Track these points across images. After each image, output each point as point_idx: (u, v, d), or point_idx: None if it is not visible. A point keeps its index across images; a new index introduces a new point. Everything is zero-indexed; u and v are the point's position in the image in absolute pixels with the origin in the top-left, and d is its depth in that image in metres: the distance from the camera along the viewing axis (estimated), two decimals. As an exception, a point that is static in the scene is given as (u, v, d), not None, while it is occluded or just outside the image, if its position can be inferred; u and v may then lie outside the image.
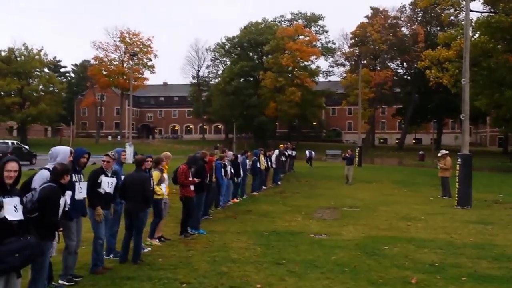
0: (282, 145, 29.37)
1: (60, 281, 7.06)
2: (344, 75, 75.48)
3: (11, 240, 4.79)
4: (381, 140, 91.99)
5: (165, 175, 10.26)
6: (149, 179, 8.94)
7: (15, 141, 54.68)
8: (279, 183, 24.44)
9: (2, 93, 72.93)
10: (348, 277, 7.81)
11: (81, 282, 7.18)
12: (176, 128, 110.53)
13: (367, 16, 75.21)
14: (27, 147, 47.51)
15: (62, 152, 6.73)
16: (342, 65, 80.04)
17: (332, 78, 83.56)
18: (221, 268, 8.22)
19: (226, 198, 16.34)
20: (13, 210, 4.86)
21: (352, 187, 23.52)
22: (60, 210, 5.86)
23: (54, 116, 78.70)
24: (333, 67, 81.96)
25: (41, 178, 6.04)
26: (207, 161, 12.55)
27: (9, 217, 4.80)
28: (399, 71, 77.50)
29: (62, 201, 5.90)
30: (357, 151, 39.05)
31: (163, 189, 9.57)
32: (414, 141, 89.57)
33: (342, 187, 22.84)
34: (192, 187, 11.10)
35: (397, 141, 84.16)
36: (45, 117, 75.97)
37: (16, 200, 4.96)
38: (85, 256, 7.89)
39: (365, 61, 72.81)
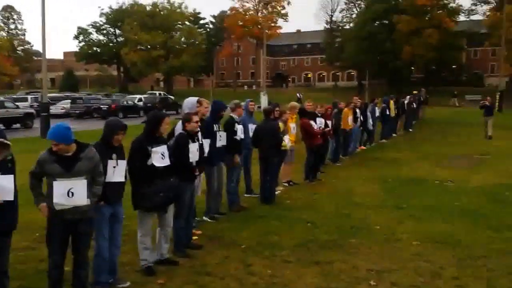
0: (415, 91, 28.68)
1: (204, 217, 8.18)
2: (488, 13, 69.86)
3: (157, 182, 5.75)
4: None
5: (292, 125, 10.96)
6: (279, 127, 9.70)
7: (162, 92, 58.94)
8: (411, 130, 24.13)
9: (148, 46, 78.12)
10: (468, 222, 8.05)
11: (220, 219, 8.23)
12: (309, 76, 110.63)
13: None
14: (172, 97, 50.85)
15: (189, 103, 7.39)
16: (487, 2, 73.82)
17: (475, 17, 77.56)
18: (343, 210, 8.86)
19: (354, 145, 16.72)
20: (160, 157, 5.79)
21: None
22: (192, 155, 6.46)
23: (195, 67, 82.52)
24: (476, 5, 75.84)
25: (179, 127, 6.74)
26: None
27: (157, 164, 5.75)
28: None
29: (192, 148, 6.47)
30: (497, 96, 36.72)
31: (286, 141, 10.01)
32: None
33: (477, 134, 21.86)
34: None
35: (546, 84, 76.81)
36: (187, 69, 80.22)
37: (163, 148, 5.88)
38: (225, 196, 8.90)
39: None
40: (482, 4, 74.71)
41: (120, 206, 5.51)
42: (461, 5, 75.76)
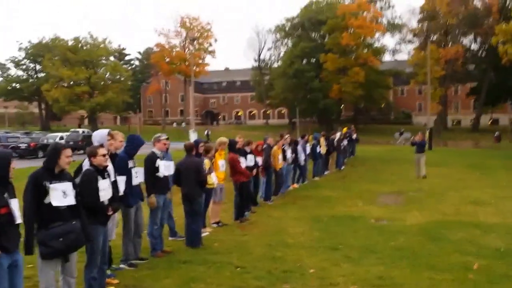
0: (345, 128, 29.06)
1: (121, 265, 7.46)
2: (412, 52, 73.20)
3: (57, 224, 5.04)
4: (455, 122, 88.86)
5: (221, 162, 10.51)
6: (202, 164, 9.19)
7: (85, 130, 57.21)
8: (343, 167, 24.25)
9: (71, 82, 76.08)
10: (406, 263, 7.77)
11: (140, 265, 7.55)
12: (239, 113, 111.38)
13: (436, -11, 72.33)
14: (97, 135, 49.34)
15: (98, 136, 6.84)
16: (410, 42, 77.45)
17: (400, 57, 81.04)
18: (275, 252, 8.39)
19: (286, 184, 16.45)
20: (61, 195, 5.09)
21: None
22: (103, 194, 5.87)
23: (121, 104, 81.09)
24: (400, 44, 79.32)
25: (86, 163, 6.15)
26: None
27: (55, 203, 5.04)
28: (472, 47, 74.07)
29: (103, 185, 5.88)
30: (427, 133, 37.96)
31: (213, 178, 9.62)
32: (490, 122, 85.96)
33: (409, 171, 22.20)
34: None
35: (471, 122, 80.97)
36: (113, 106, 78.54)
37: (66, 185, 5.19)
38: (145, 239, 8.24)
39: (435, 37, 70.21)
40: (406, 43, 78.38)
41: (18, 253, 4.82)
42: (385, 45, 79.52)
